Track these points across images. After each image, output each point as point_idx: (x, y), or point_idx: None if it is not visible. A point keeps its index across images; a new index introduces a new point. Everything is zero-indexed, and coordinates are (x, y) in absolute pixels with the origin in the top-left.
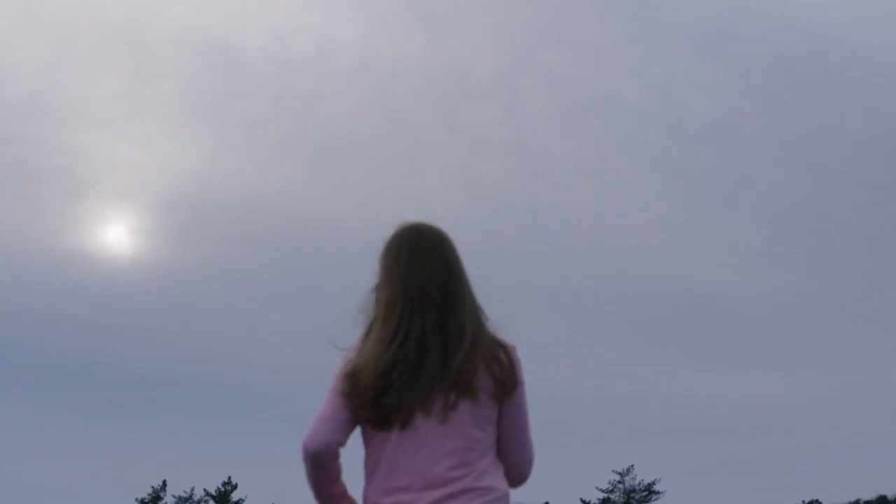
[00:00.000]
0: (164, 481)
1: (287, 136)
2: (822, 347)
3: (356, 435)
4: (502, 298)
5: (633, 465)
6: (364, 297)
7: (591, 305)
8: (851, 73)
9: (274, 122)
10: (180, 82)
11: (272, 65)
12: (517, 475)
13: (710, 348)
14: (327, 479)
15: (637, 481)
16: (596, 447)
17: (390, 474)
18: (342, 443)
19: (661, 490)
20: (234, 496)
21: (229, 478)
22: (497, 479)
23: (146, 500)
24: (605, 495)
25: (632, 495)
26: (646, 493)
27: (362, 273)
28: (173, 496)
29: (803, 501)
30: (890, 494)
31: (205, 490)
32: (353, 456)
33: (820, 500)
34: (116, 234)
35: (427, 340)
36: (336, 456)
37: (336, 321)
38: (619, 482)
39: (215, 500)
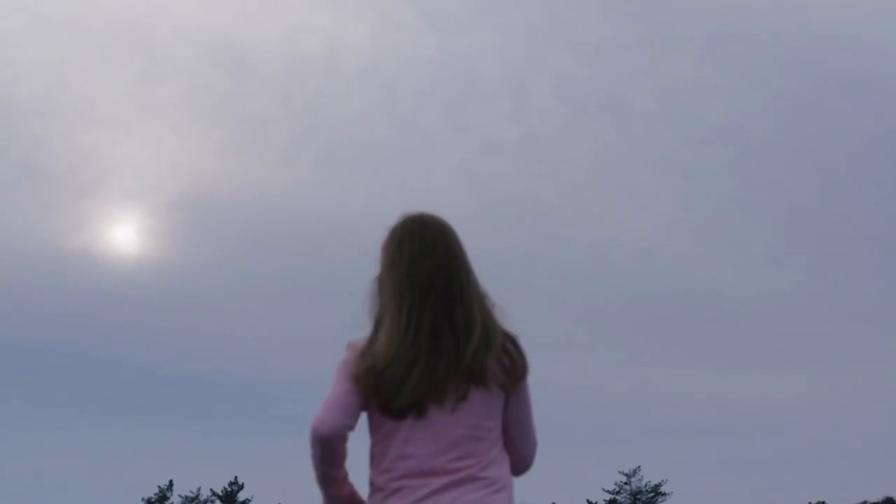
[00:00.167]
0: (171, 481)
1: (296, 136)
2: (829, 348)
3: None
4: (509, 298)
5: (639, 467)
6: (369, 287)
7: (597, 305)
8: (859, 74)
9: (282, 122)
10: (189, 82)
11: (281, 65)
12: (522, 463)
13: (717, 349)
14: (334, 463)
15: (644, 482)
16: (602, 448)
17: (400, 461)
18: (352, 427)
19: (667, 491)
20: (241, 496)
21: (236, 478)
22: (503, 470)
23: (152, 500)
24: (612, 496)
25: (638, 496)
26: (652, 494)
27: (371, 273)
28: (180, 496)
29: (810, 503)
30: None
31: (211, 490)
32: (353, 448)
33: (826, 501)
34: (124, 234)
35: (438, 330)
36: (345, 440)
37: (345, 321)
38: (626, 483)
39: (222, 500)
